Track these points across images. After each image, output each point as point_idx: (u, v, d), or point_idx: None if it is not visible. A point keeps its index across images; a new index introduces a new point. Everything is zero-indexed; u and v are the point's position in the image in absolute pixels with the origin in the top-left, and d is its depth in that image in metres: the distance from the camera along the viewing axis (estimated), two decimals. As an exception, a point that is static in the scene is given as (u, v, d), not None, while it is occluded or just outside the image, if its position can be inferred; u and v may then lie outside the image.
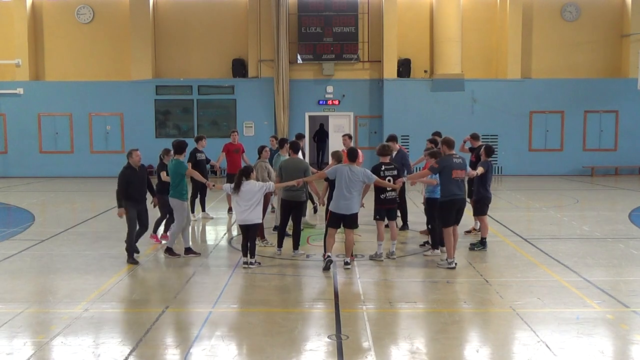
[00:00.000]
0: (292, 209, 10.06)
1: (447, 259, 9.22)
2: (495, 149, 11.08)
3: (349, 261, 9.17)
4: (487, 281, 8.53)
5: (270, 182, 9.65)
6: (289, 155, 10.50)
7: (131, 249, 9.65)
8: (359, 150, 9.83)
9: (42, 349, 6.13)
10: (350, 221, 9.10)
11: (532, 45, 23.50)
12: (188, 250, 10.03)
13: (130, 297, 7.99)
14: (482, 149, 10.64)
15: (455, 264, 9.21)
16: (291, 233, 10.26)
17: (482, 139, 12.91)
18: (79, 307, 7.36)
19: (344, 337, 6.39)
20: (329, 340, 6.34)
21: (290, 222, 10.23)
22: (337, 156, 9.71)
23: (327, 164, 10.04)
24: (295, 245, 10.07)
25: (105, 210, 14.91)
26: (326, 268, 9.02)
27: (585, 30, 23.49)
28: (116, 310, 7.35)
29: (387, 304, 7.63)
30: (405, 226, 12.10)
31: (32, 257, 10.11)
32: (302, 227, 10.34)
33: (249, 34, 22.93)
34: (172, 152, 10.58)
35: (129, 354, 5.98)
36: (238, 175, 9.16)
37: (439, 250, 9.93)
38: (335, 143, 22.10)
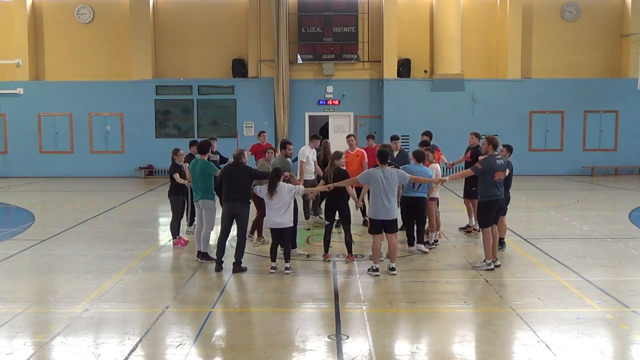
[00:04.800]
0: None
1: (485, 260, 9.09)
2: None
3: (394, 266, 8.87)
4: (487, 281, 8.53)
5: (300, 185, 9.34)
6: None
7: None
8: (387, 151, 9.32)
9: (42, 349, 6.13)
10: (391, 226, 8.86)
11: (532, 45, 23.48)
12: (204, 255, 9.74)
13: (130, 297, 7.97)
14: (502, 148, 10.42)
15: (498, 265, 9.14)
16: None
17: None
18: (79, 307, 7.36)
19: (344, 337, 6.39)
20: (329, 340, 6.34)
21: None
22: (335, 157, 9.65)
23: (328, 160, 9.96)
24: (293, 244, 10.06)
25: (105, 210, 14.90)
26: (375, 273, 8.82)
27: (585, 30, 23.48)
28: (116, 310, 7.34)
29: (387, 304, 7.64)
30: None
31: (32, 257, 10.10)
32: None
33: (249, 34, 22.92)
34: (181, 151, 10.96)
35: (129, 354, 5.98)
36: (272, 178, 8.90)
37: (423, 246, 10.15)
38: (335, 143, 22.03)
